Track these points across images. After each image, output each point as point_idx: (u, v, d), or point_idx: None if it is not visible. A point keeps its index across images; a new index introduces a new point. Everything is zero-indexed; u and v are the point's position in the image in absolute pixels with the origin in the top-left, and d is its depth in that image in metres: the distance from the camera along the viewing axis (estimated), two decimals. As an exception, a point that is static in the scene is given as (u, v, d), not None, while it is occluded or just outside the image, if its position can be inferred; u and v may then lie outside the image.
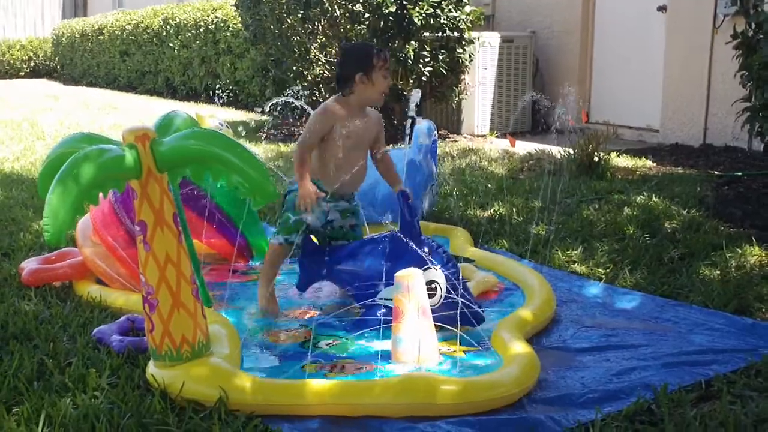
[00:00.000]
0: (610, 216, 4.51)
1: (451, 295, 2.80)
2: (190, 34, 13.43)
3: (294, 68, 8.31)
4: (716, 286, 3.32)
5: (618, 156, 6.67)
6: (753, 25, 5.12)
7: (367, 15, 7.48)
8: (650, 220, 4.38)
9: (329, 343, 2.83)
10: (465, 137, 8.45)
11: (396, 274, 2.64)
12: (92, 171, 2.20)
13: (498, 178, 5.79)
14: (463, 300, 2.79)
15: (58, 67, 19.70)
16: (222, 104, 12.15)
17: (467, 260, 3.61)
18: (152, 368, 2.45)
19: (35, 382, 2.45)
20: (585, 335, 2.90)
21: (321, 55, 7.98)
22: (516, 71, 8.66)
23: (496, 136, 8.42)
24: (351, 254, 3.10)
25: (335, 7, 7.55)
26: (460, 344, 2.70)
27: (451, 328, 2.71)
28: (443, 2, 7.64)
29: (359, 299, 3.01)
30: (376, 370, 2.58)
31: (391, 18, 7.46)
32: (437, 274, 2.83)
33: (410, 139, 4.38)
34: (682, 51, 7.44)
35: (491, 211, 4.78)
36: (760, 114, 5.06)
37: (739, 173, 5.89)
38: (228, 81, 12.35)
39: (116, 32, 16.17)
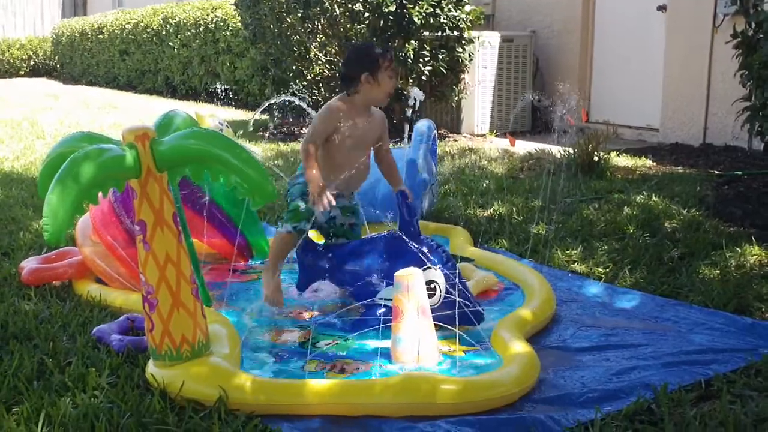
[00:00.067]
0: (609, 215, 4.51)
1: (451, 295, 2.80)
2: (189, 33, 13.43)
3: (294, 67, 8.31)
4: (716, 285, 3.32)
5: (618, 155, 6.68)
6: (753, 25, 5.12)
7: (366, 14, 7.48)
8: (650, 219, 4.38)
9: (329, 343, 2.83)
10: (465, 137, 8.45)
11: (396, 274, 2.64)
12: (92, 170, 2.20)
13: (498, 178, 5.79)
14: (463, 300, 2.79)
15: (58, 66, 19.70)
16: (222, 104, 12.15)
17: (466, 259, 3.60)
18: (152, 368, 2.45)
19: (35, 381, 2.45)
20: (585, 335, 2.90)
21: (321, 54, 7.98)
22: (516, 71, 8.66)
23: (496, 136, 8.42)
24: (351, 254, 3.10)
25: (335, 6, 7.55)
26: (460, 344, 2.70)
27: (450, 327, 2.70)
28: (443, 1, 7.64)
29: (359, 299, 3.01)
30: (376, 369, 2.57)
31: (390, 17, 7.46)
32: (436, 273, 2.83)
33: (410, 138, 4.39)
34: (682, 50, 7.44)
35: (491, 210, 4.78)
36: (760, 113, 5.06)
37: (739, 172, 5.89)
38: (228, 80, 12.35)
39: (116, 31, 16.17)
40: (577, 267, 3.70)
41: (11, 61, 20.13)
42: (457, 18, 7.76)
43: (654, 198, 4.93)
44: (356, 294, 3.03)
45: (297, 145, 7.87)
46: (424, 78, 7.72)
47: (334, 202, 3.02)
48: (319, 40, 7.95)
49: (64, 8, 22.96)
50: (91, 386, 2.39)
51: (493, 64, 8.51)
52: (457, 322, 2.70)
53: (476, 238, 4.11)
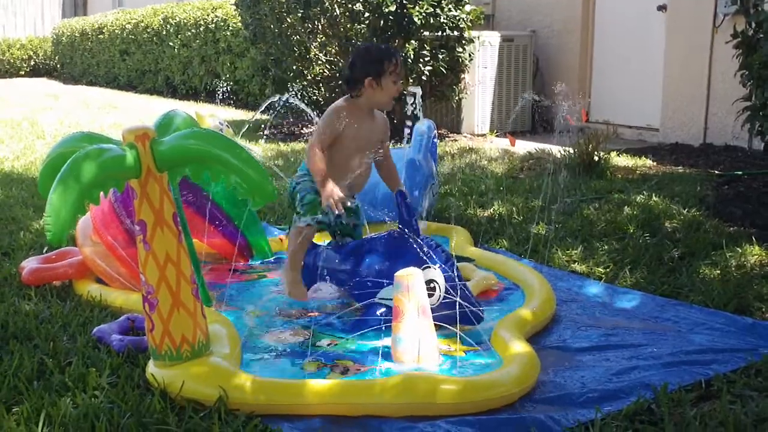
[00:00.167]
0: (610, 215, 4.51)
1: (450, 294, 2.80)
2: (190, 33, 13.43)
3: (294, 67, 8.31)
4: (716, 285, 3.32)
5: (618, 155, 6.68)
6: (753, 25, 5.12)
7: (367, 14, 7.48)
8: (650, 219, 4.38)
9: (329, 343, 2.83)
10: (465, 136, 8.45)
11: (396, 274, 2.64)
12: (93, 170, 2.21)
13: (498, 178, 5.79)
14: (462, 300, 2.79)
15: (58, 66, 19.70)
16: (222, 104, 12.15)
17: (464, 259, 3.60)
18: (152, 368, 2.45)
19: (35, 381, 2.45)
20: (585, 335, 2.90)
21: (321, 54, 7.98)
22: (516, 70, 8.66)
23: (496, 136, 8.42)
24: (350, 254, 3.10)
25: (335, 6, 7.55)
26: (460, 344, 2.70)
27: (450, 327, 2.70)
28: (443, 1, 7.64)
29: (359, 299, 3.01)
30: (376, 369, 2.57)
31: (391, 17, 7.45)
32: (436, 273, 2.83)
33: (410, 138, 4.39)
34: (682, 50, 7.44)
35: (491, 210, 4.78)
36: (760, 113, 5.06)
37: (740, 172, 5.89)
38: (228, 80, 12.35)
39: (116, 31, 16.17)
40: (577, 267, 3.70)
41: (11, 61, 20.13)
42: (457, 18, 7.76)
43: (654, 198, 4.93)
44: (356, 294, 3.03)
45: (297, 145, 7.87)
46: (424, 78, 7.72)
47: (348, 203, 3.02)
48: (319, 40, 7.95)
49: (64, 8, 22.97)
50: (92, 386, 2.39)
51: (493, 64, 8.51)
52: (458, 322, 2.70)
53: (476, 238, 4.11)
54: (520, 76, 8.69)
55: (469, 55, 8.06)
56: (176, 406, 2.30)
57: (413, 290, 2.60)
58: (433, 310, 2.70)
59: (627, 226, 4.25)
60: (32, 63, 20.47)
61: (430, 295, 2.75)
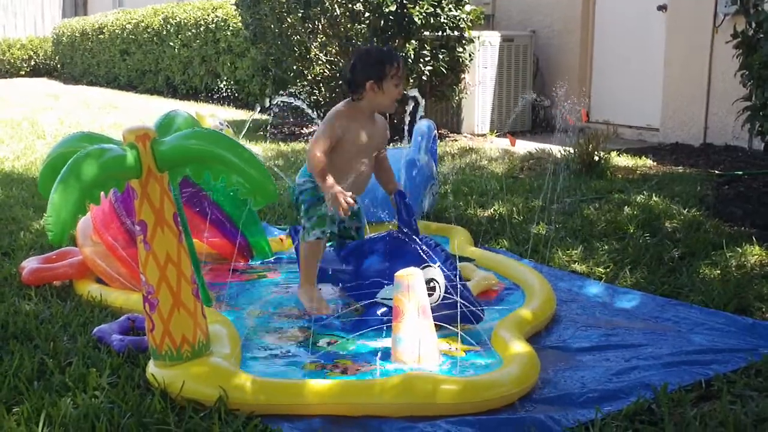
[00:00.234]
0: (610, 215, 4.51)
1: (450, 293, 2.80)
2: (190, 33, 13.43)
3: (294, 67, 8.31)
4: (716, 285, 3.32)
5: (618, 155, 6.67)
6: (753, 25, 5.12)
7: (367, 14, 7.47)
8: (650, 219, 4.38)
9: (329, 343, 2.83)
10: (465, 136, 8.45)
11: (396, 274, 2.64)
12: (94, 170, 2.21)
13: (498, 178, 5.79)
14: (462, 300, 2.79)
15: (59, 66, 19.70)
16: (222, 103, 12.15)
17: (466, 259, 3.60)
18: (152, 368, 2.45)
19: (35, 381, 2.45)
20: (585, 335, 2.90)
21: (321, 54, 7.98)
22: (516, 70, 8.66)
23: (497, 136, 8.42)
24: (350, 254, 3.10)
25: (335, 6, 7.55)
26: (460, 344, 2.70)
27: (450, 327, 2.71)
28: (443, 1, 7.64)
29: (359, 299, 3.01)
30: (376, 369, 2.58)
31: (391, 17, 7.45)
32: (436, 272, 2.83)
33: (410, 138, 4.39)
34: (683, 50, 7.44)
35: (491, 210, 4.78)
36: (761, 113, 5.06)
37: (740, 172, 5.89)
38: (228, 80, 12.35)
39: (116, 31, 16.17)
40: (577, 267, 3.70)
41: (12, 61, 20.13)
42: (458, 18, 7.76)
43: (654, 198, 4.93)
44: (356, 294, 3.03)
45: (297, 145, 7.87)
46: (424, 78, 7.72)
47: (354, 204, 3.00)
48: (319, 40, 7.95)
49: (64, 8, 22.96)
50: (92, 386, 2.39)
51: (493, 64, 8.51)
52: (459, 321, 2.70)
53: (476, 238, 4.11)
54: (520, 76, 8.69)
55: (470, 55, 8.06)
56: (176, 406, 2.30)
57: (413, 290, 2.60)
58: (433, 309, 2.70)
59: (627, 226, 4.25)
60: (32, 63, 20.47)
61: (429, 295, 2.75)
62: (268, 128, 8.92)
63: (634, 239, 4.01)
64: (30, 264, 3.52)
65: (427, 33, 7.70)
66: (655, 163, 6.50)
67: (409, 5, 7.46)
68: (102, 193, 2.27)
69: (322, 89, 8.18)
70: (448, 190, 5.31)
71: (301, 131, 9.06)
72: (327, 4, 7.58)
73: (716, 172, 6.01)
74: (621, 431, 2.15)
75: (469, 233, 4.11)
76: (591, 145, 5.83)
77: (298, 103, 3.95)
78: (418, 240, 2.89)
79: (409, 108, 3.33)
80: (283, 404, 2.28)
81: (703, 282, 3.39)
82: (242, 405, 2.27)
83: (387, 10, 7.38)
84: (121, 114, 11.11)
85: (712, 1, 7.07)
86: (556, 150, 6.41)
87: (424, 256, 2.83)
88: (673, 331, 2.89)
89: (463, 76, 8.23)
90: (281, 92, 7.76)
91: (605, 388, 2.41)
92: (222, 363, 2.44)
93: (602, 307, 3.18)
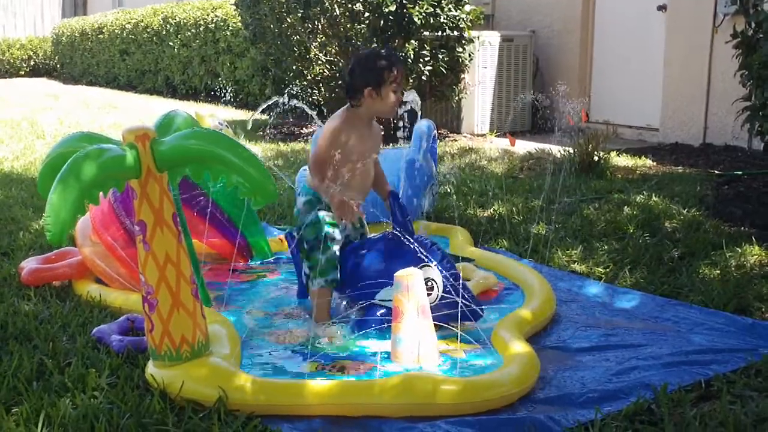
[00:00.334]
0: (610, 215, 4.51)
1: (449, 292, 2.80)
2: (189, 33, 13.43)
3: (294, 67, 8.31)
4: (716, 285, 3.32)
5: (618, 155, 6.68)
6: (753, 25, 5.12)
7: (367, 14, 7.47)
8: (650, 219, 4.38)
9: (329, 343, 2.83)
10: (465, 136, 8.45)
11: (395, 274, 2.64)
12: (93, 170, 2.20)
13: (498, 178, 5.79)
14: (462, 299, 2.78)
15: (58, 66, 19.70)
16: (222, 104, 12.14)
17: (466, 259, 3.60)
18: (152, 368, 2.44)
19: (35, 382, 2.45)
20: (585, 335, 2.90)
21: (321, 55, 7.98)
22: (516, 70, 8.65)
23: (496, 136, 8.42)
24: (349, 255, 3.09)
25: (335, 6, 7.55)
26: (460, 343, 2.70)
27: (450, 326, 2.70)
28: (443, 1, 7.64)
29: (358, 299, 3.01)
30: (376, 370, 2.57)
31: (391, 17, 7.45)
32: (434, 271, 2.83)
33: (410, 138, 4.39)
34: (682, 50, 7.44)
35: (491, 210, 4.78)
36: (760, 113, 5.06)
37: (739, 172, 5.89)
38: (228, 80, 12.35)
39: (116, 31, 16.17)
40: (577, 267, 3.70)
41: (11, 61, 20.12)
42: (457, 18, 7.76)
43: (654, 198, 4.93)
44: (355, 295, 3.02)
45: (297, 145, 7.87)
46: (424, 78, 7.72)
47: (362, 213, 2.98)
48: (319, 40, 7.95)
49: (64, 8, 22.96)
50: (91, 387, 2.39)
51: (493, 64, 8.51)
52: (459, 320, 2.70)
53: (476, 238, 4.11)
54: (520, 76, 8.69)
55: (469, 55, 8.06)
56: (176, 407, 2.30)
57: (413, 290, 2.60)
58: (431, 309, 2.70)
59: (627, 226, 4.25)
60: (32, 63, 20.46)
61: (428, 294, 2.75)
62: (265, 128, 8.92)
63: (634, 239, 4.01)
64: (29, 264, 3.51)
65: (426, 33, 7.70)
66: (654, 163, 6.50)
67: (408, 5, 7.46)
68: (101, 193, 2.27)
69: (322, 89, 8.17)
70: (449, 190, 5.31)
71: (301, 131, 9.06)
72: (327, 4, 7.58)
73: (716, 172, 6.01)
74: (621, 431, 2.15)
75: (468, 233, 4.11)
76: (591, 145, 5.83)
77: (299, 104, 3.94)
78: (413, 240, 2.89)
79: (401, 111, 3.28)
80: (283, 405, 2.28)
81: (702, 282, 3.39)
82: (242, 405, 2.27)
83: (387, 10, 7.38)
84: (121, 114, 11.11)
85: (711, 1, 7.07)
86: (556, 150, 6.41)
87: (421, 255, 2.83)
88: (672, 331, 2.89)
89: (462, 76, 8.23)
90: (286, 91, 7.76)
91: (605, 388, 2.41)
92: (221, 363, 2.44)
93: (602, 307, 3.18)
